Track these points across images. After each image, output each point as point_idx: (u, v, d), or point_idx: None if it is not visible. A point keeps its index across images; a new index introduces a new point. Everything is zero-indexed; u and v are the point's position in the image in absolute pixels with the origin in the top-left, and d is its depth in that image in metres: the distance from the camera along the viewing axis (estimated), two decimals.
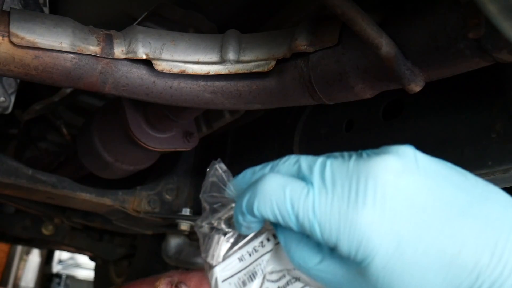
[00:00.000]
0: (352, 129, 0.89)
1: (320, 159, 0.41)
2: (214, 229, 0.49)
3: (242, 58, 0.68)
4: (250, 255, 0.47)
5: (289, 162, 0.43)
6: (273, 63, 0.66)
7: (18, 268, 5.26)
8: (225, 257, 0.47)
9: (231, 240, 0.48)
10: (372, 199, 0.37)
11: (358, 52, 0.59)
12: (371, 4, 0.58)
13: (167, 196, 1.41)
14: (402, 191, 0.37)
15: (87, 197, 1.27)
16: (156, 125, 1.01)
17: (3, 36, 0.62)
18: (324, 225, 0.38)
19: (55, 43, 0.63)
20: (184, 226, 1.36)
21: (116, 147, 1.11)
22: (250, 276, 0.46)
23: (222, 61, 0.69)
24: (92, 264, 3.14)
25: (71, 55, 0.65)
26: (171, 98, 0.73)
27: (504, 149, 0.63)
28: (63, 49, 0.64)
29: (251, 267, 0.47)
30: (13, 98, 0.96)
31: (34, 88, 1.33)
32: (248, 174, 0.45)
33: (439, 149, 0.71)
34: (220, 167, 0.48)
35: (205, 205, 0.49)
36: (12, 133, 1.62)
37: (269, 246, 0.47)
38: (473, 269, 0.36)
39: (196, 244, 1.78)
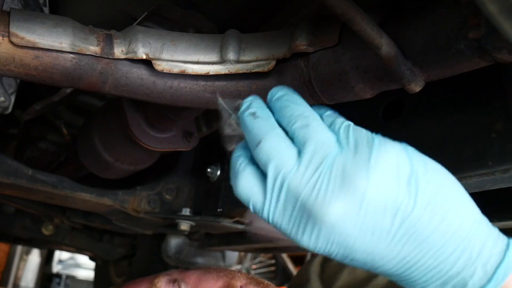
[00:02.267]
0: None
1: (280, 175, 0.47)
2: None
3: (242, 58, 0.68)
4: None
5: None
6: (273, 63, 0.66)
7: (18, 268, 5.25)
8: None
9: None
10: (315, 238, 0.46)
11: (358, 52, 0.59)
12: (371, 4, 0.58)
13: (167, 196, 1.41)
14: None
15: (87, 197, 1.27)
16: (156, 125, 1.01)
17: (3, 36, 0.62)
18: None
19: (55, 43, 0.63)
20: (184, 226, 1.36)
21: (116, 147, 1.11)
22: None
23: (222, 61, 0.69)
24: (92, 264, 3.14)
25: (71, 55, 0.65)
26: (171, 98, 0.73)
27: (504, 149, 0.63)
28: (63, 49, 0.64)
29: None
30: (13, 98, 0.96)
31: (34, 88, 1.33)
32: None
33: (439, 149, 0.71)
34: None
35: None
36: (12, 133, 1.62)
37: None
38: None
39: (196, 244, 1.78)
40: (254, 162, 0.50)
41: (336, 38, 0.61)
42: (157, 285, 0.84)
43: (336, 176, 0.44)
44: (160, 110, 0.96)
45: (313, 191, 0.44)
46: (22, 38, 0.62)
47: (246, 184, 0.49)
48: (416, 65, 0.56)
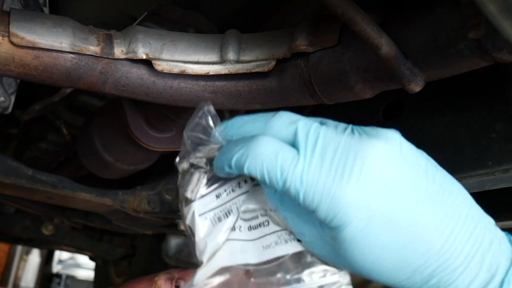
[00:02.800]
0: None
1: (313, 128, 0.43)
2: (193, 166, 0.51)
3: (242, 58, 0.68)
4: (227, 194, 0.49)
5: (282, 121, 0.45)
6: (273, 63, 0.66)
7: (18, 268, 5.26)
8: (203, 194, 0.50)
9: (210, 178, 0.50)
10: (357, 177, 0.40)
11: (358, 52, 0.59)
12: (371, 4, 0.58)
13: (167, 196, 1.41)
14: (383, 174, 0.41)
15: (87, 197, 1.27)
16: (156, 125, 1.01)
17: (3, 36, 0.62)
18: (308, 193, 0.41)
19: (55, 43, 0.63)
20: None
21: (116, 147, 1.11)
22: (225, 213, 0.49)
23: (222, 61, 0.69)
24: (92, 264, 3.15)
25: (71, 55, 0.65)
26: (171, 98, 0.73)
27: (504, 149, 0.63)
28: (63, 49, 0.64)
29: (227, 205, 0.49)
30: (13, 98, 0.96)
31: (34, 88, 1.33)
32: (237, 123, 0.47)
33: (439, 149, 0.71)
34: (209, 110, 0.49)
35: (187, 143, 0.51)
36: (12, 133, 1.62)
37: (245, 187, 0.49)
38: (425, 252, 0.40)
39: None
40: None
41: (336, 38, 0.61)
42: (157, 282, 0.85)
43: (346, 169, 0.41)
44: (160, 110, 0.96)
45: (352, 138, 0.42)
46: (22, 38, 0.62)
47: (269, 142, 0.43)
48: (416, 65, 0.56)
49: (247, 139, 0.44)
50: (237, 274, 0.47)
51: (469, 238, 0.41)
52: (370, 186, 0.40)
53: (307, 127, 0.43)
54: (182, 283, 0.84)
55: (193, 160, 0.50)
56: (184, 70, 0.68)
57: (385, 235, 0.40)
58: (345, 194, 0.40)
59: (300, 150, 0.42)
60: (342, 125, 0.44)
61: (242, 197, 0.49)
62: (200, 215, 0.49)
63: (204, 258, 0.48)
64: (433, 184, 0.42)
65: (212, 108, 0.49)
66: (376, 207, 0.40)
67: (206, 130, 0.49)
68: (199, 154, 0.50)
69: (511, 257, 0.43)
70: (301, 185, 0.41)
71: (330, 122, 0.45)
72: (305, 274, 0.45)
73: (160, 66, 0.68)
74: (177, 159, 0.51)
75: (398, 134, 0.44)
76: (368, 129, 0.44)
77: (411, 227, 0.40)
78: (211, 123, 0.49)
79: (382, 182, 0.40)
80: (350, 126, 0.44)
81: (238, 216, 0.48)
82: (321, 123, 0.45)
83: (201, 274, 0.48)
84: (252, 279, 0.46)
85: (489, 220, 0.45)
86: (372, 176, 0.40)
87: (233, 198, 0.49)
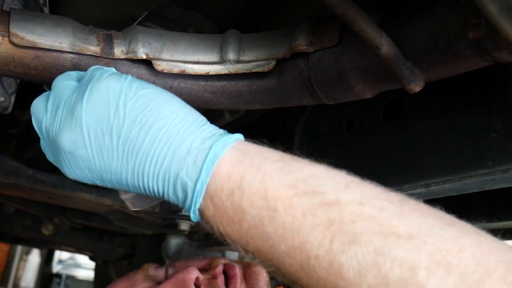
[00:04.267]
0: (352, 129, 0.89)
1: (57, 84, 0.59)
2: None
3: (242, 58, 0.68)
4: None
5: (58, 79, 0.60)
6: (273, 63, 0.66)
7: (18, 268, 5.25)
8: None
9: None
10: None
11: (358, 52, 0.59)
12: (371, 4, 0.58)
13: None
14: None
15: (87, 197, 1.28)
16: None
17: (3, 36, 0.62)
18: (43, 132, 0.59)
19: (55, 43, 0.63)
20: (184, 226, 1.36)
21: None
22: None
23: (222, 61, 0.69)
24: (92, 264, 3.15)
25: (71, 55, 0.65)
26: None
27: (504, 149, 0.63)
28: (63, 49, 0.64)
29: None
30: (13, 98, 0.96)
31: (34, 88, 1.33)
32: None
33: (439, 149, 0.71)
34: None
35: None
36: (12, 133, 1.62)
37: None
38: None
39: (196, 244, 1.79)
40: None
41: (336, 38, 0.61)
42: (147, 268, 0.88)
43: (66, 111, 0.53)
44: None
45: (53, 127, 0.54)
46: (22, 38, 0.62)
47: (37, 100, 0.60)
48: (416, 65, 0.56)
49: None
50: None
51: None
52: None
53: (57, 84, 0.58)
54: (170, 269, 0.87)
55: None
56: (184, 70, 0.68)
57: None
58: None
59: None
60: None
61: None
62: None
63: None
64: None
65: None
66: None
67: None
68: None
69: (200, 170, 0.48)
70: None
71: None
72: None
73: (160, 66, 0.68)
74: None
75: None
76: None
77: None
78: None
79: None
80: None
81: None
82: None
83: None
84: None
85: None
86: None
87: None
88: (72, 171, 0.55)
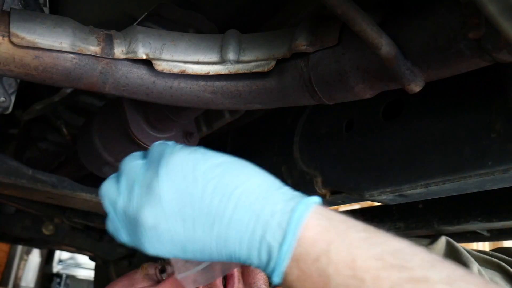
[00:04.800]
0: (352, 129, 0.89)
1: (126, 165, 0.61)
2: None
3: (242, 58, 0.68)
4: None
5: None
6: (273, 63, 0.66)
7: (18, 268, 5.25)
8: None
9: None
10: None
11: (358, 52, 0.59)
12: (371, 4, 0.58)
13: None
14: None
15: (87, 197, 1.27)
16: (156, 125, 1.01)
17: (3, 36, 0.62)
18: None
19: (55, 43, 0.63)
20: None
21: (116, 147, 1.10)
22: None
23: (222, 61, 0.69)
24: (92, 264, 3.14)
25: (71, 55, 0.65)
26: (171, 98, 0.73)
27: (504, 149, 0.63)
28: (63, 49, 0.64)
29: None
30: (13, 98, 0.96)
31: (34, 88, 1.33)
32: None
33: (439, 149, 0.71)
34: None
35: None
36: (12, 133, 1.62)
37: None
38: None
39: None
40: None
41: (336, 38, 0.61)
42: (146, 268, 0.89)
43: (143, 189, 0.54)
44: (160, 110, 0.96)
45: (131, 206, 0.55)
46: (22, 38, 0.62)
47: (108, 223, 0.59)
48: (416, 65, 0.56)
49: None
50: None
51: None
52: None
53: (126, 165, 0.60)
54: (168, 267, 0.87)
55: None
56: (184, 70, 0.68)
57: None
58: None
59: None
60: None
61: None
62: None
63: None
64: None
65: None
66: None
67: None
68: None
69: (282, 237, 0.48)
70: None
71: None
72: None
73: (160, 66, 0.68)
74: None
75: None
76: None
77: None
78: None
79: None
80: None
81: None
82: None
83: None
84: None
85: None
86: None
87: None
88: (154, 246, 0.54)
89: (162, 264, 0.89)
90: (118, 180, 0.60)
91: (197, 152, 0.55)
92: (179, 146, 0.56)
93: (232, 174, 0.52)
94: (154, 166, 0.55)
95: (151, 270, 0.89)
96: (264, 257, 0.48)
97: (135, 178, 0.56)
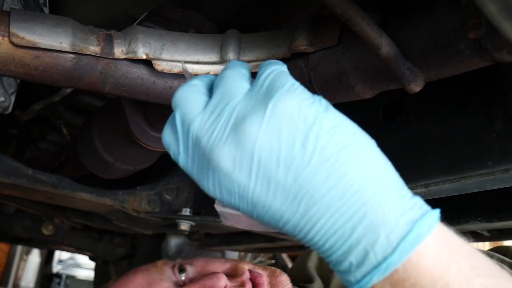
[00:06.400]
0: None
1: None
2: None
3: (242, 58, 0.68)
4: None
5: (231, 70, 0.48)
6: None
7: (18, 268, 5.25)
8: None
9: None
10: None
11: (358, 52, 0.59)
12: (371, 4, 0.58)
13: (167, 196, 1.41)
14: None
15: (87, 197, 1.27)
16: (156, 125, 1.01)
17: (3, 36, 0.62)
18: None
19: (55, 43, 0.63)
20: (184, 226, 1.36)
21: (116, 147, 1.11)
22: None
23: (222, 61, 0.69)
24: (92, 264, 3.15)
25: (71, 55, 0.65)
26: (171, 98, 0.72)
27: (504, 149, 0.63)
28: (63, 49, 0.64)
29: None
30: (13, 98, 0.96)
31: (34, 88, 1.33)
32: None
33: (439, 149, 0.71)
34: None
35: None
36: (12, 133, 1.62)
37: None
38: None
39: (196, 244, 1.78)
40: None
41: (336, 38, 0.61)
42: (161, 266, 0.84)
43: (234, 121, 0.42)
44: (160, 110, 0.96)
45: (210, 137, 0.43)
46: (22, 38, 0.62)
47: (167, 132, 0.47)
48: (416, 65, 0.56)
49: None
50: None
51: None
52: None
53: (228, 76, 0.46)
54: (188, 267, 0.83)
55: None
56: None
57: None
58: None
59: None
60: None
61: None
62: None
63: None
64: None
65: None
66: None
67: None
68: None
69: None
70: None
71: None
72: None
73: (160, 66, 0.68)
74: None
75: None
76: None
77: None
78: None
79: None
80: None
81: None
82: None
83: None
84: None
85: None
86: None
87: None
88: (217, 190, 0.44)
89: (180, 263, 0.85)
90: (207, 91, 0.47)
91: (320, 105, 0.42)
92: (296, 86, 0.43)
93: (352, 150, 0.40)
94: (259, 100, 0.43)
95: (167, 269, 0.84)
96: (348, 261, 0.40)
97: (230, 101, 0.44)
